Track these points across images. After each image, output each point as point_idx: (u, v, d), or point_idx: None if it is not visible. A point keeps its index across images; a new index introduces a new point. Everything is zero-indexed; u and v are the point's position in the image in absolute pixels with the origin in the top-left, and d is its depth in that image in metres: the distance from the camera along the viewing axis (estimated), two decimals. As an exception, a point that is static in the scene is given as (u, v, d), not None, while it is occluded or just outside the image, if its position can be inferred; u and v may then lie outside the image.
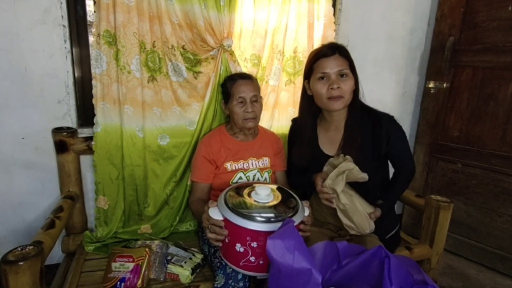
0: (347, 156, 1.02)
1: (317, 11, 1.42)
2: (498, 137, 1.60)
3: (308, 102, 1.12)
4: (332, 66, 1.01)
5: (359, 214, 1.00)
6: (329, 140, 1.13)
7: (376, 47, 1.72)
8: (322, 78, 1.03)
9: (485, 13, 1.58)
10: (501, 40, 1.54)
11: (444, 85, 1.72)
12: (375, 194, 1.11)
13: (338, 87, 1.00)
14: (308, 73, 1.08)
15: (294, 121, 1.24)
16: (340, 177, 0.98)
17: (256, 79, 1.27)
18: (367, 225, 1.01)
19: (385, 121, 1.06)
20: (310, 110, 1.12)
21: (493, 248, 1.66)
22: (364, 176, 0.97)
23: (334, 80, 1.01)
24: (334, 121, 1.11)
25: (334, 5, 1.52)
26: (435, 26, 1.73)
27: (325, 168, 1.06)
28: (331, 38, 1.46)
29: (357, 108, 1.08)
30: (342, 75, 1.02)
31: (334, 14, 1.48)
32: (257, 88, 1.22)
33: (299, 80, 1.46)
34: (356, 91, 1.07)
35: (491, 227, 1.66)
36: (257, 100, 1.20)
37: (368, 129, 1.07)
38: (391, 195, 1.13)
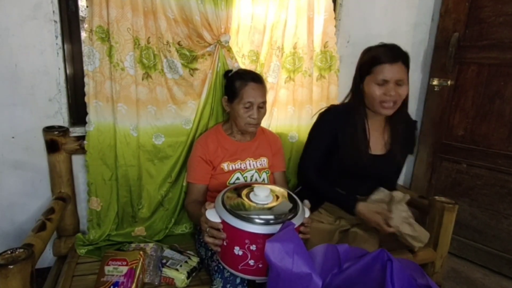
0: (381, 188, 1.13)
1: (317, 5, 1.38)
2: (505, 136, 1.56)
3: (359, 96, 1.13)
4: (393, 74, 1.03)
5: (421, 231, 1.10)
6: (371, 138, 1.15)
7: (378, 43, 1.68)
8: (380, 84, 1.05)
9: (491, 8, 1.54)
10: (508, 36, 1.51)
11: (449, 82, 1.69)
12: None
13: (394, 94, 1.04)
14: (364, 73, 1.09)
15: (334, 107, 1.21)
16: (403, 209, 1.07)
17: (264, 82, 1.21)
18: (426, 236, 1.12)
19: (417, 131, 1.20)
20: (362, 107, 1.14)
21: (499, 251, 1.63)
22: (408, 197, 1.11)
23: (391, 87, 1.03)
24: (377, 120, 1.15)
25: (334, 0, 1.49)
26: (439, 21, 1.70)
27: (373, 206, 1.10)
28: (331, 33, 1.43)
29: (406, 110, 1.14)
30: (399, 84, 1.04)
31: (334, 9, 1.45)
32: (265, 93, 1.18)
33: (299, 77, 1.43)
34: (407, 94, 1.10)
35: (497, 230, 1.63)
36: (263, 106, 1.16)
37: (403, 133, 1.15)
38: None
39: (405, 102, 1.11)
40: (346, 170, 1.15)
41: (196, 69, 1.30)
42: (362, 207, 1.08)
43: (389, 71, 1.03)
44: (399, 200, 1.07)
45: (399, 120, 1.13)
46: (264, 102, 1.16)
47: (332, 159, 1.17)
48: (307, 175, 1.19)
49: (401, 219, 1.04)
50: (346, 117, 1.13)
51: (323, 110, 1.21)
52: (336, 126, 1.14)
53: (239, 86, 1.13)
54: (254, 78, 1.15)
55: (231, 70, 1.22)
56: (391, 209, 1.06)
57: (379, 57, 1.05)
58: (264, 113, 1.18)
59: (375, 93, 1.05)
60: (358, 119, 1.12)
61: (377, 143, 1.15)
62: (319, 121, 1.20)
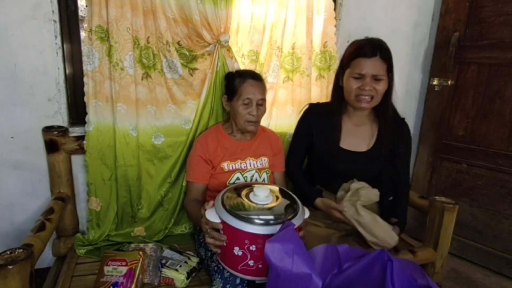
0: (355, 179, 1.10)
1: (317, 5, 1.38)
2: (505, 136, 1.56)
3: (338, 92, 1.13)
4: (369, 68, 1.01)
5: (380, 227, 1.02)
6: (349, 134, 1.14)
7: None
8: (356, 78, 1.04)
9: (491, 7, 1.54)
10: (508, 35, 1.50)
11: (449, 82, 1.68)
12: (386, 195, 1.15)
13: (370, 89, 1.02)
14: (344, 66, 1.08)
15: (313, 105, 1.22)
16: (355, 195, 1.04)
17: (263, 80, 1.22)
18: (391, 237, 1.03)
19: (407, 128, 1.16)
20: (339, 101, 1.14)
21: (500, 252, 1.62)
22: (376, 192, 1.05)
23: (367, 81, 1.02)
24: (358, 116, 1.13)
25: (334, 0, 1.48)
26: (439, 21, 1.69)
27: (339, 194, 1.10)
28: (331, 33, 1.42)
29: (390, 109, 1.10)
30: (377, 79, 1.02)
31: (334, 9, 1.45)
32: (265, 91, 1.18)
33: (297, 77, 1.43)
34: (389, 91, 1.07)
35: (497, 230, 1.62)
36: (262, 104, 1.16)
37: (393, 129, 1.13)
38: (403, 212, 1.18)
39: (388, 97, 1.09)
40: (329, 170, 1.15)
41: (196, 68, 1.29)
42: (319, 201, 1.12)
43: (366, 65, 1.01)
44: (357, 188, 1.06)
45: (383, 115, 1.12)
46: (263, 100, 1.15)
47: (313, 158, 1.20)
48: (290, 171, 1.26)
49: (349, 202, 1.04)
50: (324, 114, 1.15)
51: (303, 108, 1.24)
52: (312, 123, 1.17)
53: (238, 84, 1.13)
54: (253, 76, 1.16)
55: (232, 72, 1.22)
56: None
57: (358, 50, 1.04)
58: (264, 111, 1.18)
59: (351, 87, 1.05)
60: (333, 114, 1.13)
61: (359, 140, 1.14)
62: (299, 120, 1.24)
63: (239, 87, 1.12)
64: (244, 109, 1.12)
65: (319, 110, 1.19)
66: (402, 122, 1.16)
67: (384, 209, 1.17)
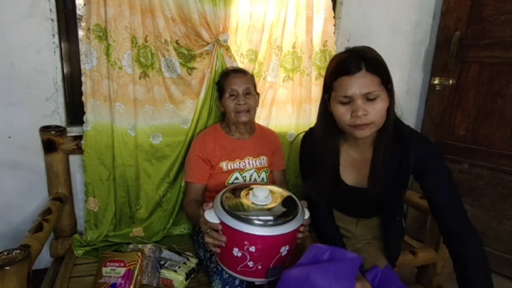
0: None
1: (317, 4, 1.36)
2: (506, 136, 1.54)
3: (327, 119, 0.89)
4: (357, 87, 0.78)
5: None
6: (351, 166, 0.93)
7: (379, 42, 1.66)
8: (344, 103, 0.81)
9: (493, 6, 1.53)
10: (510, 34, 1.49)
11: (450, 81, 1.67)
12: (394, 217, 0.98)
13: (365, 114, 0.79)
14: (328, 89, 0.86)
15: (309, 133, 0.99)
16: None
17: (251, 74, 1.24)
18: None
19: (427, 149, 0.85)
20: (330, 128, 0.90)
21: (501, 253, 1.60)
22: None
23: (358, 104, 0.78)
24: (360, 144, 0.91)
25: (334, -1, 1.48)
26: (440, 20, 1.68)
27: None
28: (331, 32, 1.41)
29: (390, 132, 0.85)
30: (370, 99, 0.79)
31: (334, 8, 1.44)
32: (250, 82, 1.19)
33: (298, 77, 1.42)
34: (390, 108, 0.82)
35: (499, 231, 1.61)
36: (250, 93, 1.17)
37: (396, 156, 0.86)
38: None
39: (389, 115, 0.83)
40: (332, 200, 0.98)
41: (194, 68, 1.28)
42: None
43: (350, 84, 0.78)
44: None
45: (380, 140, 0.86)
46: (250, 89, 1.17)
47: None
48: (317, 208, 0.96)
49: None
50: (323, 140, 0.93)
51: (302, 135, 1.03)
52: (311, 152, 0.95)
53: (223, 81, 1.18)
54: (235, 70, 1.20)
55: (220, 77, 1.23)
56: None
57: (338, 68, 0.81)
58: (255, 101, 1.18)
59: (341, 114, 0.82)
60: (330, 142, 0.91)
61: (361, 173, 0.92)
62: (302, 148, 1.01)
63: (224, 83, 1.17)
64: (231, 101, 1.14)
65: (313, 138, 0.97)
66: (419, 139, 0.87)
67: (390, 236, 0.97)
